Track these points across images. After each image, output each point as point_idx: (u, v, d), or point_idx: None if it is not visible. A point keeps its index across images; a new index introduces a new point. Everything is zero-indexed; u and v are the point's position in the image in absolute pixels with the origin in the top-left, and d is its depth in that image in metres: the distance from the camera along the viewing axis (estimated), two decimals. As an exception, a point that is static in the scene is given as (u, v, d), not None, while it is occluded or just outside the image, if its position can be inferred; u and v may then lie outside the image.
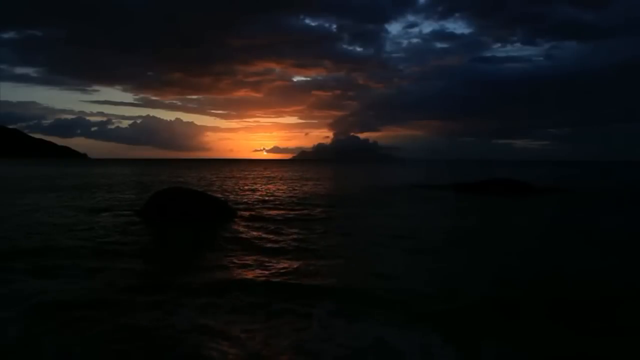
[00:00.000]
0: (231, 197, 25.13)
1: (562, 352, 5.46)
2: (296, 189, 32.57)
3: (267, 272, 8.70)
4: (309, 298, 7.01)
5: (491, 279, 8.60)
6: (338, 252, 10.80)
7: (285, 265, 9.31)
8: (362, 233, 13.89)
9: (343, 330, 5.66)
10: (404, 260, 10.31)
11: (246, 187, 34.31)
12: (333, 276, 8.60)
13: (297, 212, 18.23)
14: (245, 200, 23.74)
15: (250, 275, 8.54)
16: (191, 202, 16.01)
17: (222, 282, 7.97)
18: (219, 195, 22.97)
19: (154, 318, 6.09)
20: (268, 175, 58.77)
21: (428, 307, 6.71)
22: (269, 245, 11.47)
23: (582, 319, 6.45)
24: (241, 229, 13.97)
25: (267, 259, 9.78)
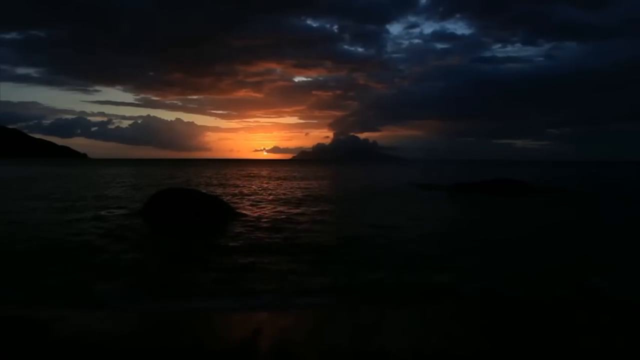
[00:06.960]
0: (231, 196, 25.18)
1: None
2: (296, 189, 32.62)
3: (266, 270, 8.76)
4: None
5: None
6: (331, 248, 10.84)
7: (285, 264, 9.36)
8: (358, 231, 13.90)
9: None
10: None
11: (246, 187, 34.35)
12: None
13: (297, 212, 18.26)
14: (246, 200, 23.80)
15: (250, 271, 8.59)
16: (192, 202, 16.05)
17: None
18: (219, 195, 23.02)
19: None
20: (267, 175, 58.81)
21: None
22: (268, 241, 11.54)
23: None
24: (242, 228, 13.99)
25: (267, 256, 9.84)
